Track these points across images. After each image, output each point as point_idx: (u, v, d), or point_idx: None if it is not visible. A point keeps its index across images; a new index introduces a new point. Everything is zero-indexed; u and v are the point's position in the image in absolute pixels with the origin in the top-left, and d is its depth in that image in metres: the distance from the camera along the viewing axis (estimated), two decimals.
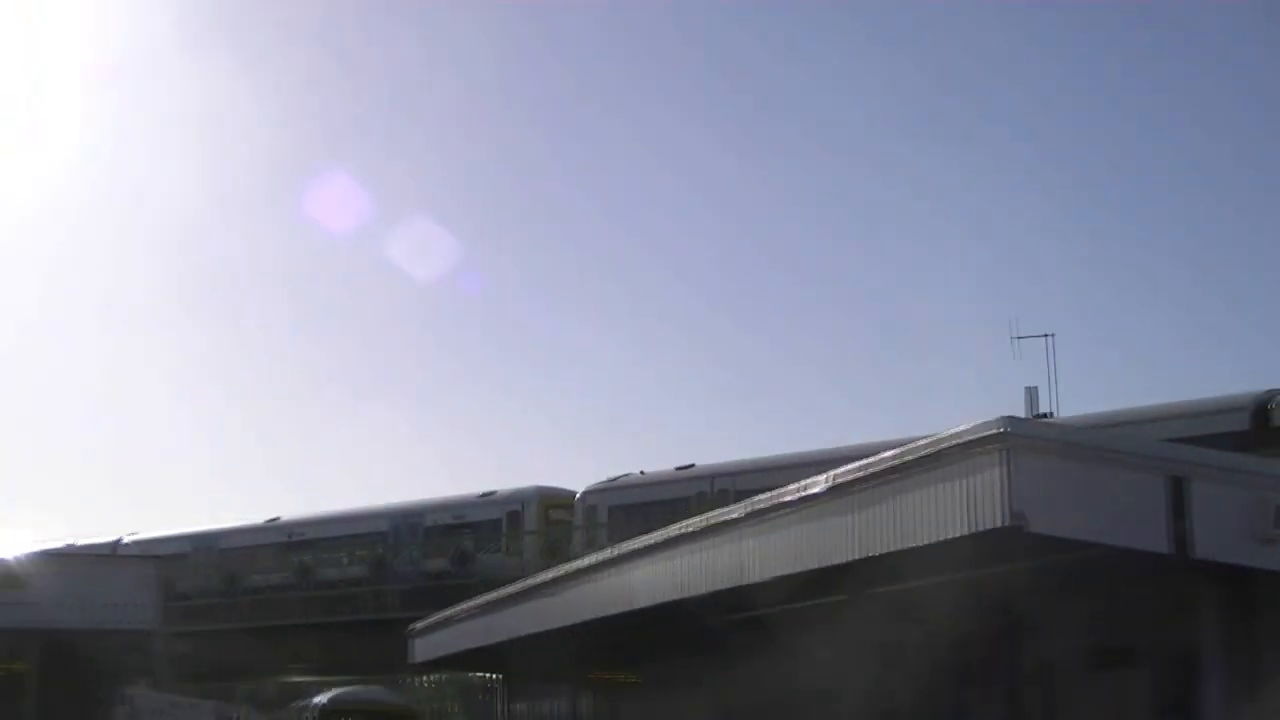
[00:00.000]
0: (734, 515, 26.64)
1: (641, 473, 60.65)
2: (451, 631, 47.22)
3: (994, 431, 19.58)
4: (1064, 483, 19.78)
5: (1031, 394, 49.22)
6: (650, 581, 30.25)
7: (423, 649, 51.31)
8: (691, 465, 58.88)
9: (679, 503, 51.52)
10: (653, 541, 30.46)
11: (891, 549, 21.94)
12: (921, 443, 21.36)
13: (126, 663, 56.30)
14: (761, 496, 26.00)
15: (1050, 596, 25.75)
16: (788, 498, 24.74)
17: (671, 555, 29.09)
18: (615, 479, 60.45)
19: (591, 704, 46.99)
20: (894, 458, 21.86)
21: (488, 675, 55.98)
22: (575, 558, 42.50)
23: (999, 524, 19.47)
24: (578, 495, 60.57)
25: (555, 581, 37.17)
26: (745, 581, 26.15)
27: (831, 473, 23.88)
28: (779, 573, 25.10)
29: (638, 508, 55.54)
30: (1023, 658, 27.23)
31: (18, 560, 40.75)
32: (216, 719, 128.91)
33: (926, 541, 21.14)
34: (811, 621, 31.24)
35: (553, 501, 62.45)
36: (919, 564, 25.16)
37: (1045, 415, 46.73)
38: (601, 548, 45.39)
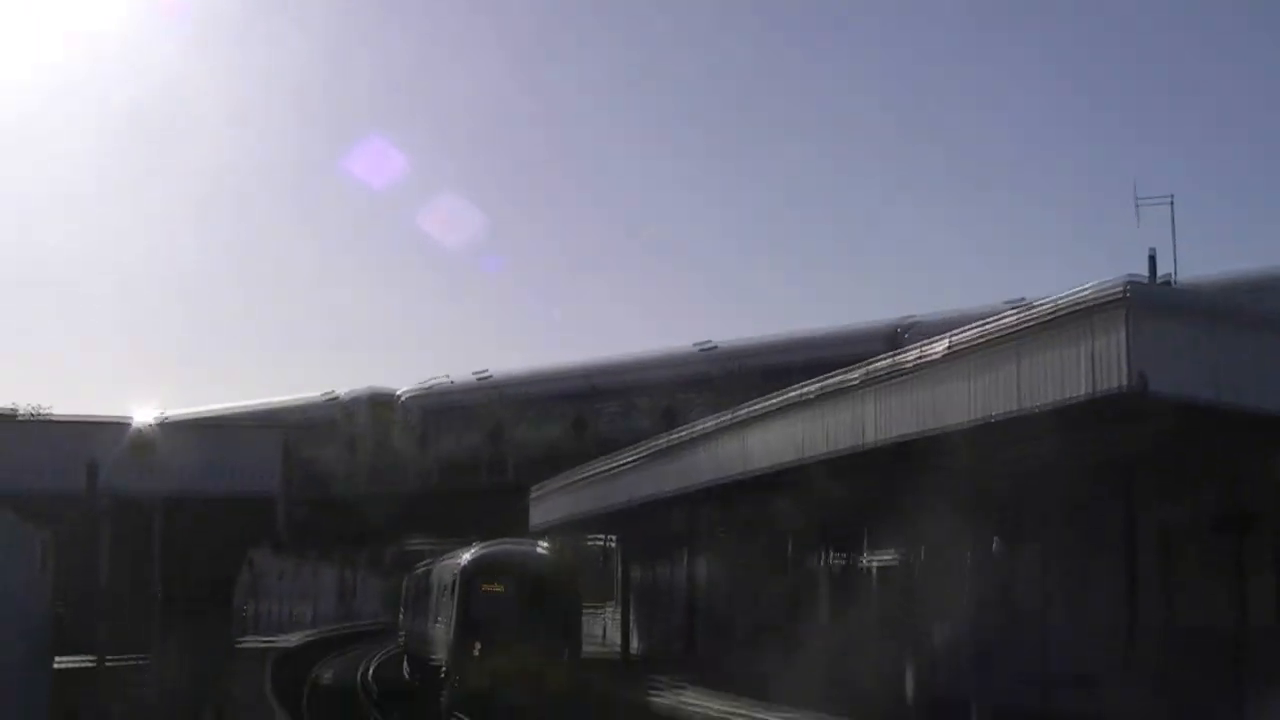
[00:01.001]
0: (853, 380, 26.62)
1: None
2: (569, 496, 47.71)
3: (1116, 293, 19.41)
4: (1186, 345, 19.60)
5: (1153, 259, 48.57)
6: (767, 445, 30.34)
7: (540, 514, 51.92)
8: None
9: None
10: (771, 406, 30.51)
11: (1011, 412, 21.82)
12: (1042, 306, 21.21)
13: (250, 529, 57.33)
14: (882, 361, 25.97)
15: (1170, 461, 25.60)
16: (907, 362, 24.67)
17: (789, 420, 29.12)
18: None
19: (706, 568, 47.28)
20: (1015, 321, 21.72)
21: (604, 539, 56.45)
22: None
23: (1120, 387, 19.32)
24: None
25: (673, 446, 37.41)
26: (863, 445, 26.19)
27: (948, 336, 23.80)
28: (897, 435, 25.08)
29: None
30: (1142, 524, 27.14)
31: (146, 427, 41.38)
32: (336, 582, 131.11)
33: (1046, 404, 21.02)
34: (928, 490, 31.31)
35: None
36: (1037, 428, 25.14)
37: (1166, 280, 46.13)
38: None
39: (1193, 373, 19.76)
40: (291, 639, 78.23)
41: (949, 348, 23.36)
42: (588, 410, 63.09)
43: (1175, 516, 26.41)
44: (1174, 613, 26.41)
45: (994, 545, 29.80)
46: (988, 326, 22.52)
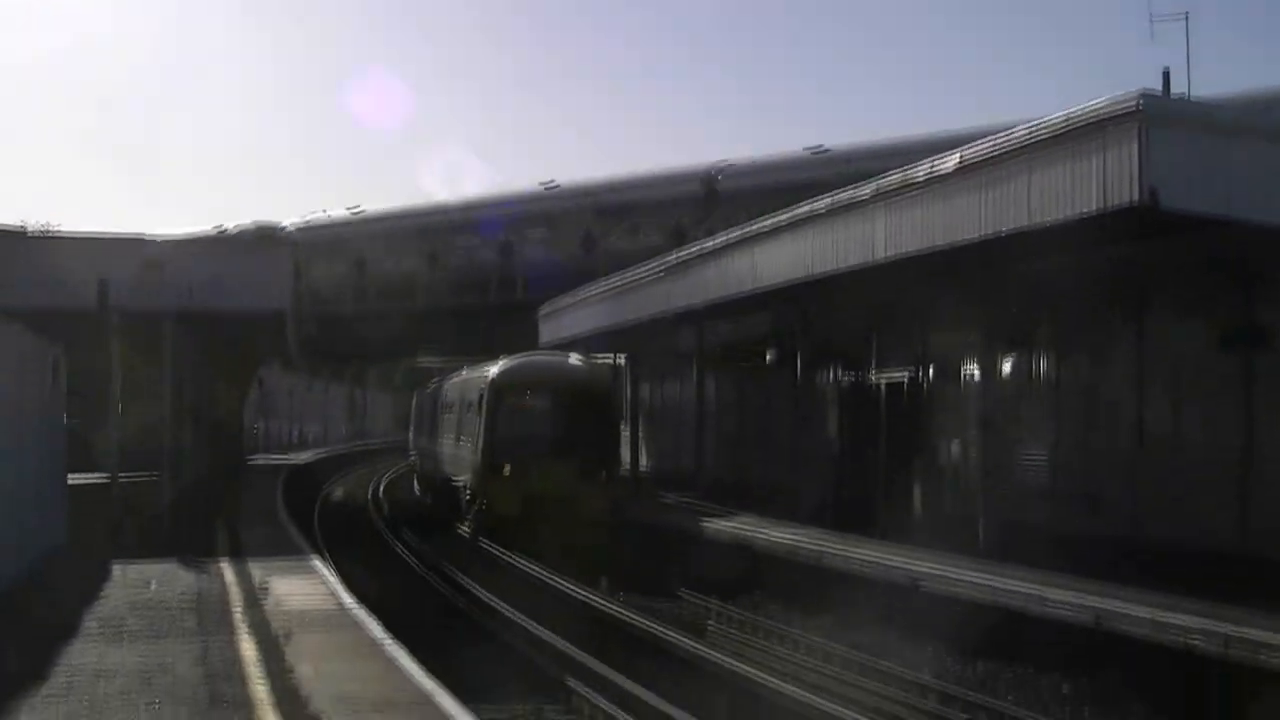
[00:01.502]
0: (863, 195, 26.49)
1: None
2: (579, 313, 47.74)
3: (1129, 106, 19.22)
4: (1199, 158, 19.44)
5: (1166, 77, 48.10)
6: (777, 261, 30.28)
7: (550, 331, 51.98)
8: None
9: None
10: (780, 222, 30.39)
11: (1022, 226, 21.73)
12: (1054, 119, 21.01)
13: (260, 345, 57.51)
14: (893, 175, 25.82)
15: (1181, 276, 25.55)
16: (918, 177, 24.53)
17: (800, 234, 29.02)
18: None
19: (715, 385, 47.37)
20: (1026, 135, 21.54)
21: (614, 357, 56.45)
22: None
23: (1132, 200, 19.21)
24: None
25: (682, 263, 37.35)
26: (873, 260, 26.12)
27: (960, 151, 23.63)
28: (907, 251, 25.00)
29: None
30: (1151, 338, 27.14)
31: (156, 243, 41.31)
32: (346, 400, 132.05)
33: (1057, 219, 20.92)
34: (937, 308, 31.31)
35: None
36: (1049, 243, 25.05)
37: (1180, 97, 45.74)
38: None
39: (1205, 187, 19.61)
40: (302, 456, 78.94)
41: (960, 162, 23.21)
42: (597, 227, 62.93)
43: (1187, 333, 26.39)
44: (1181, 431, 26.48)
45: (1004, 363, 29.85)
46: (999, 140, 22.35)
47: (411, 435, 66.73)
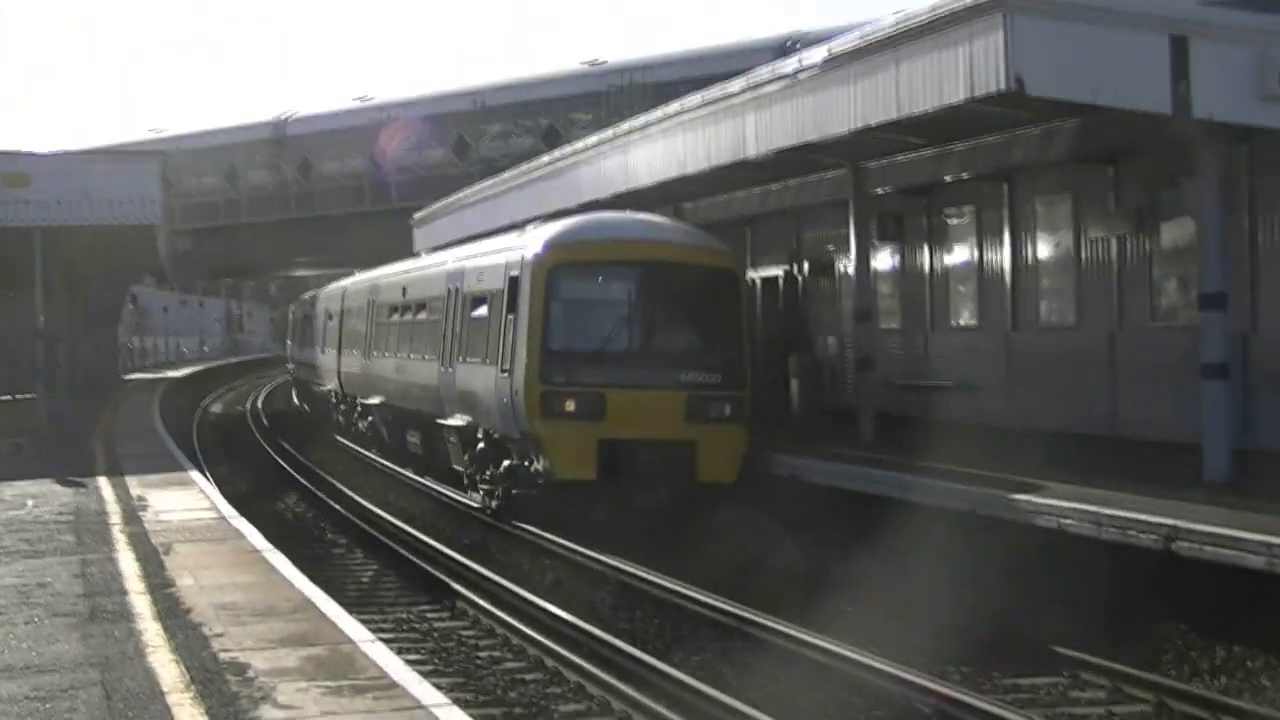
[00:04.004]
0: (733, 90, 26.47)
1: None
2: (453, 219, 47.52)
3: None
4: (1064, 45, 19.52)
5: None
6: (650, 160, 30.24)
7: (424, 237, 51.71)
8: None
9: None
10: (652, 119, 30.35)
11: (891, 118, 21.83)
12: (922, 10, 21.06)
13: (132, 261, 56.80)
14: (762, 70, 25.81)
15: (1050, 166, 25.79)
16: (785, 70, 24.54)
17: (671, 133, 28.99)
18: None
19: None
20: (892, 26, 21.58)
21: None
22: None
23: (998, 88, 19.32)
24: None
25: (554, 164, 37.23)
26: (745, 157, 26.15)
27: (828, 44, 23.67)
28: (778, 146, 25.05)
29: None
30: (1024, 225, 27.45)
31: (20, 156, 40.55)
32: (223, 315, 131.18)
33: (926, 109, 21.02)
34: (812, 203, 31.46)
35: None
36: (921, 135, 25.24)
37: None
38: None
39: (1071, 74, 19.76)
40: (179, 372, 78.31)
41: (829, 55, 23.22)
42: (470, 131, 62.61)
43: (1058, 217, 26.71)
44: (1049, 313, 26.84)
45: (878, 256, 30.05)
46: (867, 31, 22.39)
47: (289, 347, 65.80)
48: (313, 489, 32.10)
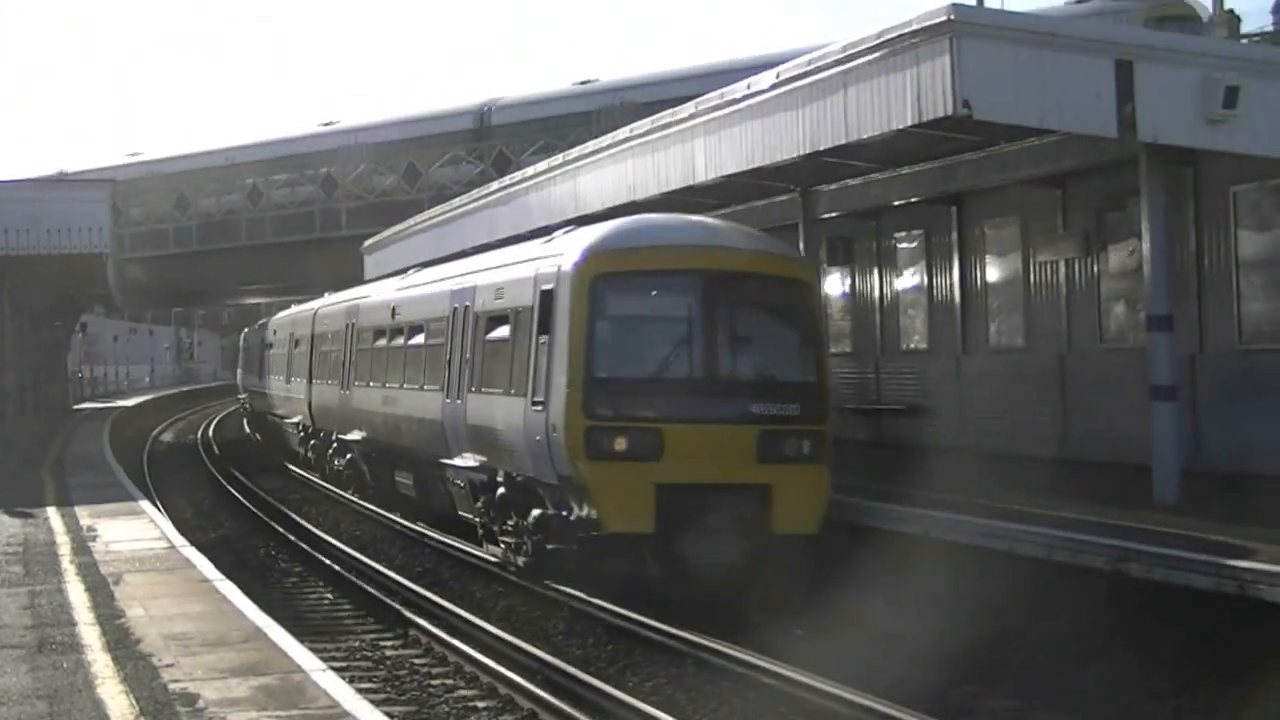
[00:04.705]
0: (682, 115, 26.52)
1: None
2: (405, 246, 47.46)
3: (941, 19, 19.37)
4: (1011, 69, 19.63)
5: None
6: (600, 186, 30.26)
7: (375, 265, 51.61)
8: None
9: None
10: (601, 145, 30.38)
11: (839, 142, 21.90)
12: (869, 35, 21.15)
13: (81, 289, 56.55)
14: (711, 96, 25.88)
15: (998, 190, 25.95)
16: (735, 94, 24.60)
17: (620, 159, 29.03)
18: None
19: None
20: (840, 50, 21.66)
21: None
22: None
23: (946, 112, 19.41)
24: None
25: (505, 190, 37.23)
26: (695, 182, 26.19)
27: (778, 69, 23.74)
28: (728, 172, 25.10)
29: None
30: (974, 248, 27.61)
31: None
32: (174, 343, 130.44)
33: (874, 133, 21.10)
34: (762, 227, 31.56)
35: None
36: (870, 159, 25.35)
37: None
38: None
39: (1018, 98, 19.87)
40: (130, 401, 77.94)
41: (777, 79, 23.29)
42: (418, 157, 62.61)
43: (1006, 240, 26.89)
44: (998, 336, 27.00)
45: (828, 280, 30.17)
46: (815, 55, 22.47)
47: (241, 376, 65.33)
48: (265, 518, 31.92)
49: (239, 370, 66.95)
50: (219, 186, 68.46)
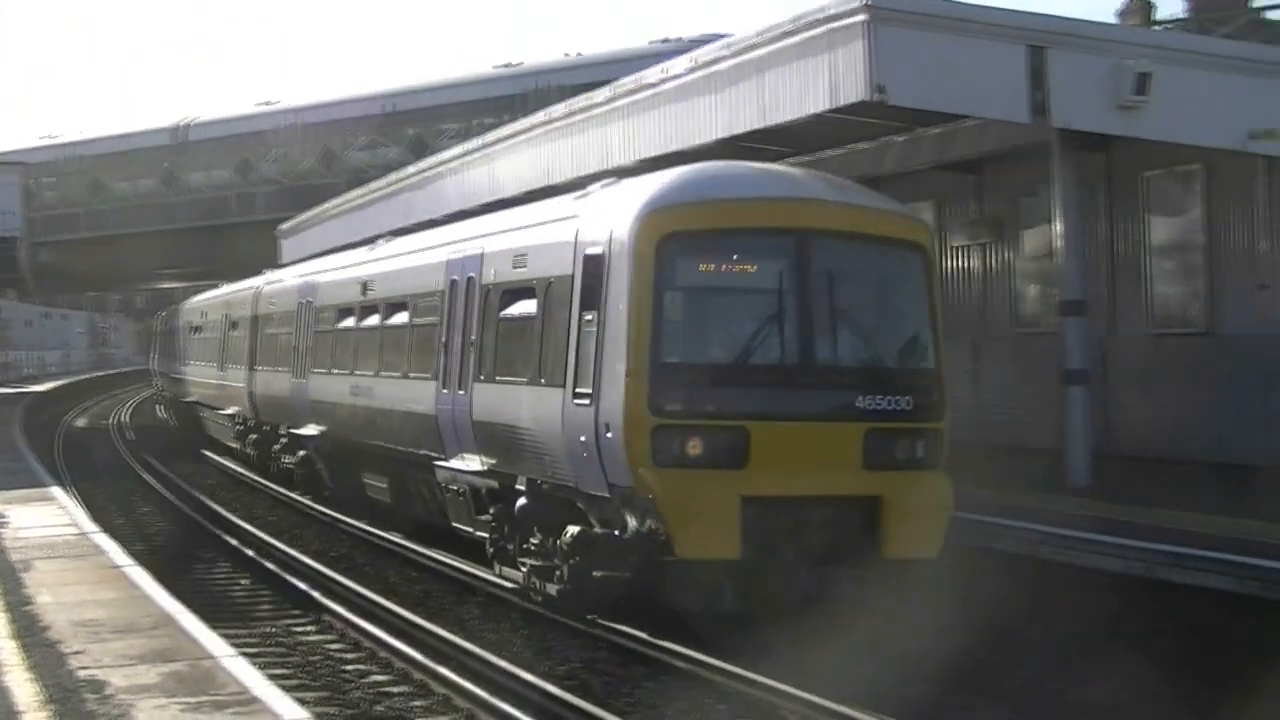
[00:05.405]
0: (598, 100, 26.50)
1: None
2: (321, 230, 47.24)
3: (856, 4, 19.45)
4: (926, 55, 19.77)
5: None
6: (517, 170, 30.21)
7: (292, 249, 51.34)
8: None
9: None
10: (517, 129, 30.33)
11: (755, 127, 21.95)
12: (785, 20, 21.20)
13: None
14: (626, 80, 25.87)
15: (913, 175, 26.06)
16: (651, 79, 24.60)
17: (537, 143, 28.98)
18: None
19: None
20: (756, 35, 21.71)
21: None
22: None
23: (861, 98, 19.52)
24: None
25: (421, 174, 37.12)
26: (610, 166, 26.15)
27: (694, 53, 23.77)
28: (644, 156, 25.09)
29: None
30: None
31: None
32: (88, 328, 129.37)
33: (789, 118, 21.17)
34: None
35: None
36: (786, 143, 25.39)
37: None
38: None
39: (933, 83, 19.99)
40: (42, 386, 77.20)
41: (693, 64, 23.31)
42: (336, 142, 62.35)
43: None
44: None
45: None
46: (731, 40, 22.52)
47: (158, 361, 64.31)
48: (181, 506, 31.71)
49: (153, 355, 66.35)
50: (135, 170, 67.90)
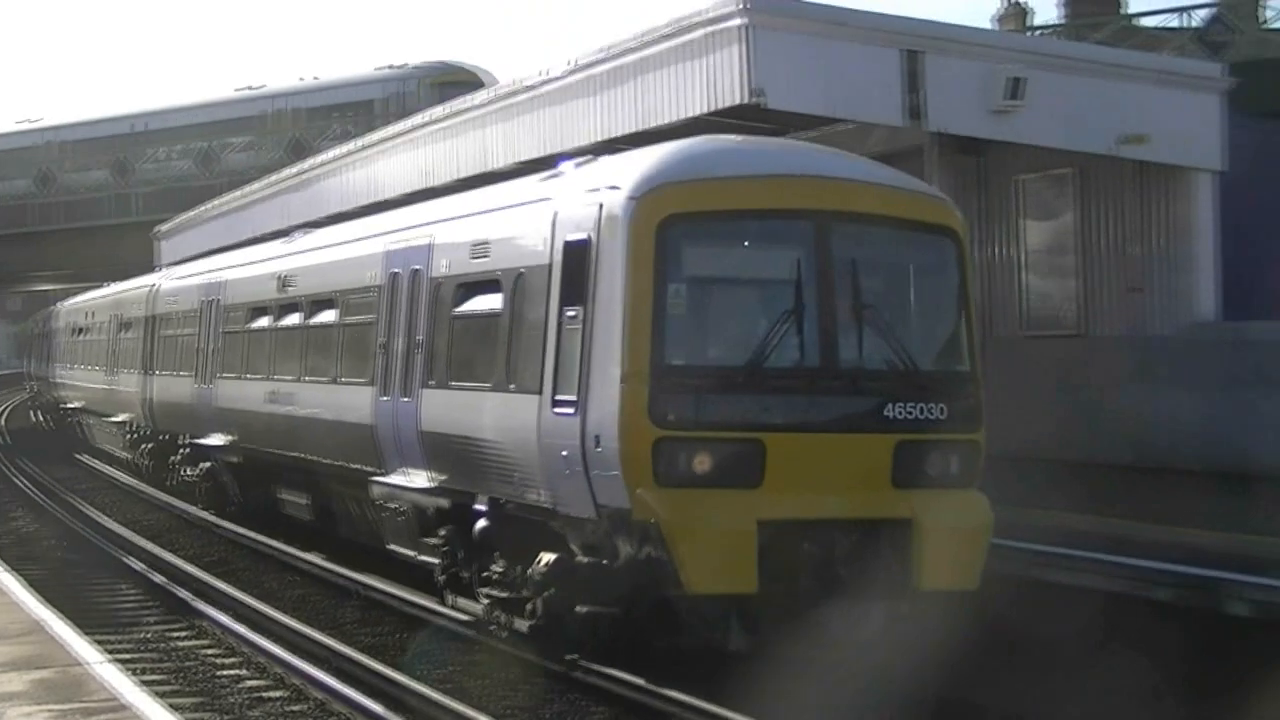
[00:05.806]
0: (477, 102, 26.47)
1: None
2: (199, 232, 46.86)
3: (733, 7, 19.53)
4: (803, 58, 19.89)
5: None
6: (396, 172, 30.12)
7: (170, 251, 50.86)
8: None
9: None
10: (397, 131, 30.25)
11: (633, 130, 21.97)
12: (664, 22, 21.25)
13: None
14: (505, 83, 25.87)
15: None
16: (529, 81, 24.60)
17: (416, 145, 28.90)
18: None
19: None
20: (635, 38, 21.75)
21: None
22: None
23: (739, 101, 19.60)
24: None
25: (301, 175, 36.92)
26: (489, 169, 26.14)
27: (573, 55, 23.79)
28: (523, 159, 25.07)
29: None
30: None
31: None
32: None
33: (667, 122, 21.20)
34: None
35: None
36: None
37: None
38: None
39: (811, 86, 20.11)
40: None
41: (571, 66, 23.33)
42: (216, 143, 61.91)
43: None
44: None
45: None
46: (610, 42, 22.55)
47: (34, 365, 63.08)
48: (54, 509, 31.30)
49: (28, 359, 65.35)
50: (8, 170, 67.05)
